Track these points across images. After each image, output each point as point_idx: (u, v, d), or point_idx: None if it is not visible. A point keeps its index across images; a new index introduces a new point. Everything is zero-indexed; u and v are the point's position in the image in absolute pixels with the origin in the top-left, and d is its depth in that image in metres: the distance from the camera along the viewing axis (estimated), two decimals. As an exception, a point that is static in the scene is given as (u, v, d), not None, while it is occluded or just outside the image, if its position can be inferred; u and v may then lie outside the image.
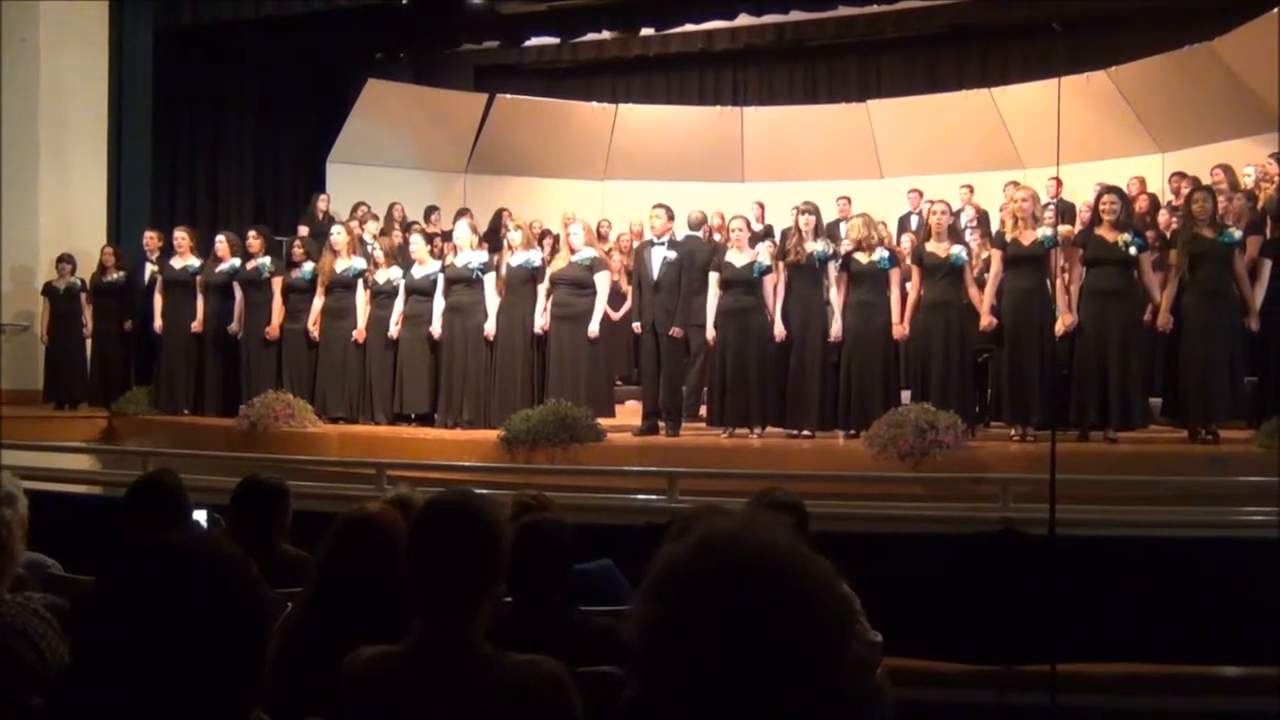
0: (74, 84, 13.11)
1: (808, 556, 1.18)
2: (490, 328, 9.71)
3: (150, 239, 11.98)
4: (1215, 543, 5.41)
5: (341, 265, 10.35)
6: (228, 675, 1.54)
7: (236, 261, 10.84)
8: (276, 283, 10.61)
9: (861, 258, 8.82)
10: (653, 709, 1.16)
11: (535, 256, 9.89)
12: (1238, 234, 8.46)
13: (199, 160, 15.39)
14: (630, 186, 15.09)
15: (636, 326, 9.54)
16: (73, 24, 13.11)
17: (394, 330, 10.10)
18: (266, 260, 10.74)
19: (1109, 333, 8.21)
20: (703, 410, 9.59)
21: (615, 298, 10.46)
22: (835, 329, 8.76)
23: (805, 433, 8.82)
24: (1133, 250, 8.29)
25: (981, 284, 8.76)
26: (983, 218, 11.56)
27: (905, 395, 8.83)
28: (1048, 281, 8.60)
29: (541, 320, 9.57)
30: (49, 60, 12.79)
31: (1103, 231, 8.37)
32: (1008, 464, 7.63)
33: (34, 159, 12.69)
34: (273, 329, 10.53)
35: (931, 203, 9.66)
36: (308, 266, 10.62)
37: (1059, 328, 8.35)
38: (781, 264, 8.98)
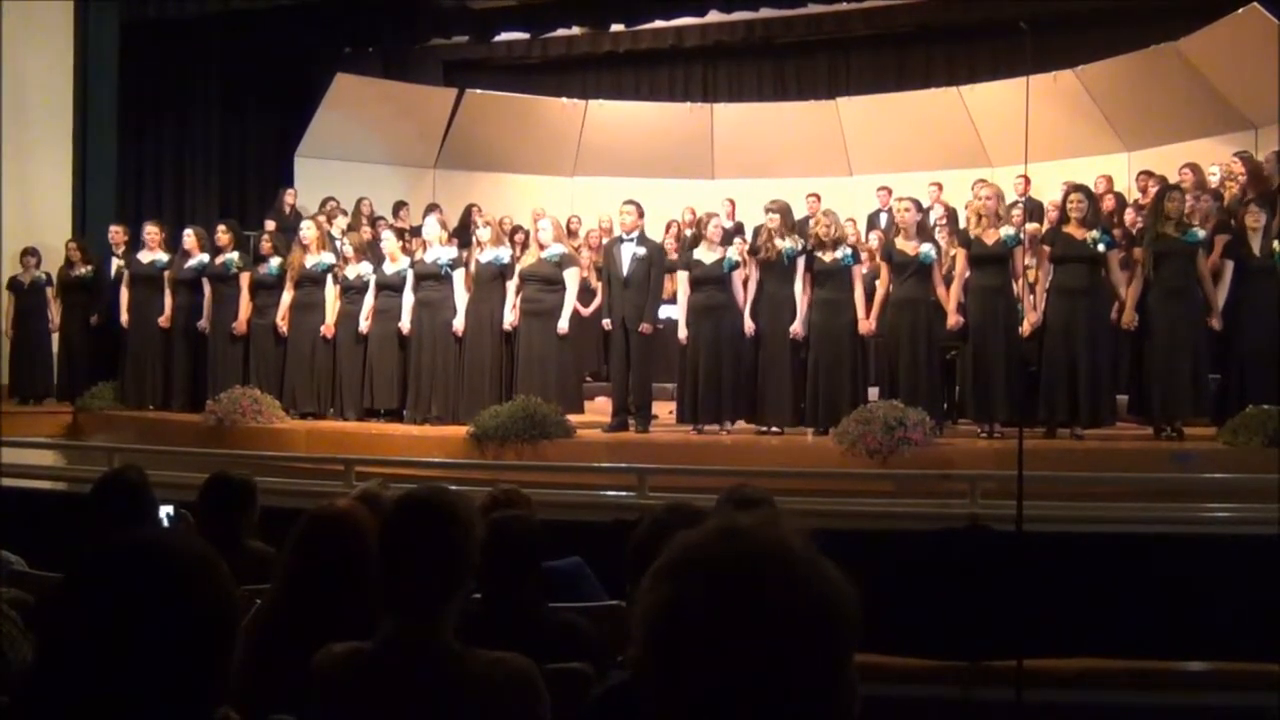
0: (38, 78, 12.96)
1: (822, 559, 1.19)
2: (459, 324, 9.69)
3: (115, 233, 11.88)
4: (1181, 539, 5.45)
5: (311, 260, 10.31)
6: (194, 672, 1.53)
7: (205, 257, 10.78)
8: (244, 278, 10.56)
9: (824, 255, 8.85)
10: (649, 692, 1.16)
11: (504, 253, 9.89)
12: (1201, 233, 8.55)
13: (165, 154, 15.23)
14: (600, 183, 15.07)
15: (606, 323, 9.54)
16: (36, 17, 12.97)
17: (364, 325, 10.06)
18: (234, 255, 10.69)
19: (1077, 330, 8.27)
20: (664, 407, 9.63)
21: (585, 294, 10.45)
22: (796, 326, 8.79)
23: (774, 429, 8.84)
24: (1100, 248, 8.35)
25: (949, 282, 8.80)
26: (951, 215, 11.61)
27: (873, 392, 8.86)
28: (1013, 280, 8.66)
29: (510, 316, 9.56)
30: (11, 54, 12.63)
31: (1070, 229, 8.43)
32: (975, 461, 7.68)
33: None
34: (240, 324, 10.47)
35: (899, 200, 9.69)
36: (274, 261, 10.56)
37: (1025, 326, 8.41)
38: (754, 260, 9.01)
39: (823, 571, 1.18)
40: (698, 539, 1.20)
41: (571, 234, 12.56)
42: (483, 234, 9.98)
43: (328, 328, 10.17)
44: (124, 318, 11.07)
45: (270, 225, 12.58)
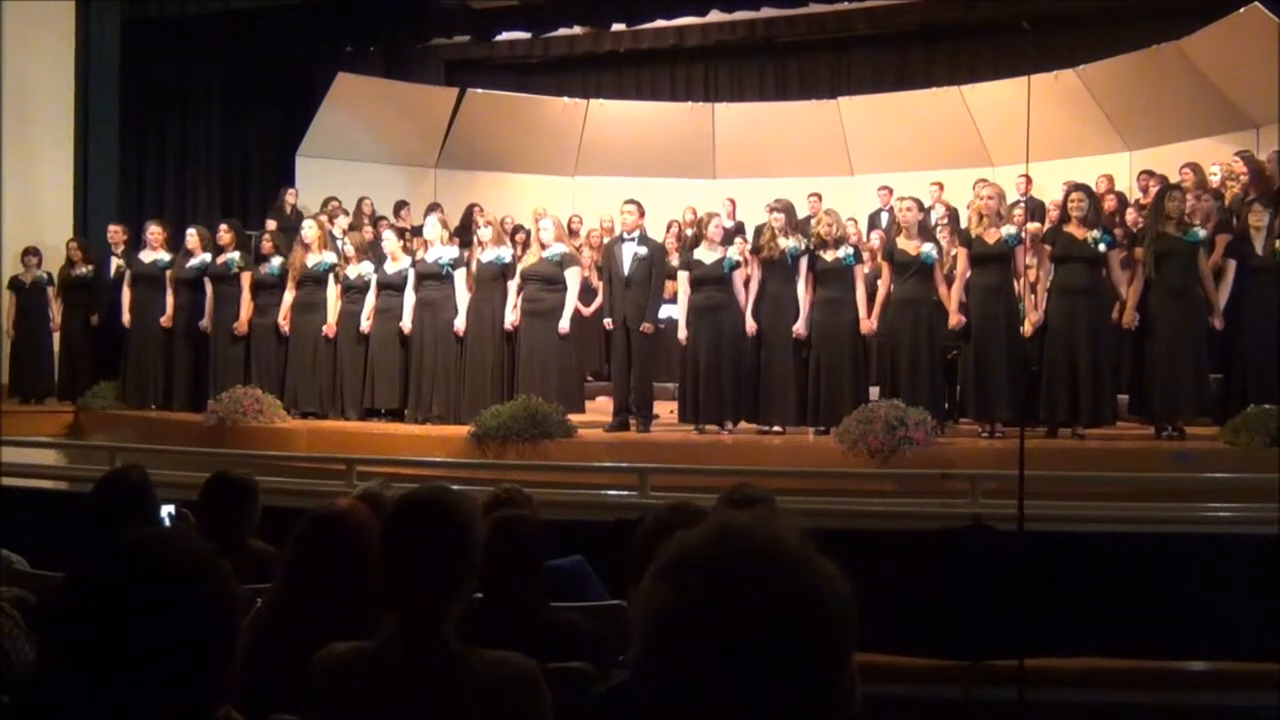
0: (39, 77, 12.96)
1: (820, 556, 1.19)
2: (460, 323, 9.69)
3: (115, 232, 11.90)
4: (1182, 538, 5.45)
5: (312, 260, 10.30)
6: (195, 672, 1.53)
7: (208, 256, 10.78)
8: (246, 278, 10.56)
9: (826, 255, 8.85)
10: (649, 692, 1.16)
11: (505, 253, 9.89)
12: (1202, 233, 8.54)
13: (167, 153, 15.27)
14: (601, 182, 15.08)
15: (608, 322, 9.54)
16: (38, 17, 12.96)
17: (365, 325, 10.06)
18: (236, 255, 10.69)
19: (1078, 330, 8.26)
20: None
21: (586, 293, 10.45)
22: (798, 325, 8.79)
23: (776, 429, 8.84)
24: (1101, 247, 8.34)
25: (951, 281, 8.79)
26: (953, 215, 11.61)
27: (874, 392, 8.86)
28: (1014, 280, 8.65)
29: (512, 316, 9.56)
30: (13, 53, 12.63)
31: (1071, 229, 8.42)
32: (977, 460, 7.67)
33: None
34: (241, 324, 10.47)
35: (901, 199, 9.68)
36: (276, 261, 10.56)
37: (1026, 326, 8.40)
38: (755, 260, 9.00)
39: (820, 569, 1.18)
40: (695, 538, 1.20)
41: (573, 233, 12.56)
42: (484, 233, 10.00)
43: (329, 327, 10.17)
44: (125, 317, 11.06)
45: (271, 225, 12.58)
